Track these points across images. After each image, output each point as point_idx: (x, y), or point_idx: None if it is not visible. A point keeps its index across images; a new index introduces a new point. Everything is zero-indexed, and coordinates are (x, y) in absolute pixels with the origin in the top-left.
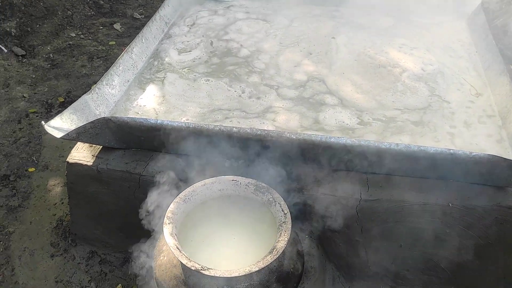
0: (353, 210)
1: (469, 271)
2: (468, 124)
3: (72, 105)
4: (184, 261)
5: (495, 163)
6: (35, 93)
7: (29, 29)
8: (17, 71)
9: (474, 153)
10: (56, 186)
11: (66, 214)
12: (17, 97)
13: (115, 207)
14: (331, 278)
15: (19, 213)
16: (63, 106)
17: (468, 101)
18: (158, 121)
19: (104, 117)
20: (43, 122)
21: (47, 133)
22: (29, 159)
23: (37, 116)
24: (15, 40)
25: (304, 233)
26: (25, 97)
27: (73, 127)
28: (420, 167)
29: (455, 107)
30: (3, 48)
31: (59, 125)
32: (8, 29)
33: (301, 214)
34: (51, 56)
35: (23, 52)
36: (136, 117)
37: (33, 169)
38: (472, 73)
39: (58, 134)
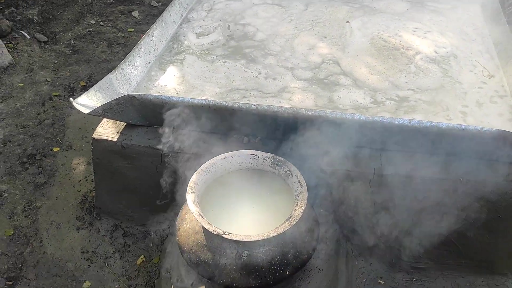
0: (366, 184)
1: (479, 245)
2: (480, 104)
3: (98, 83)
4: (207, 226)
5: (505, 138)
6: (57, 78)
7: (50, 16)
8: (40, 57)
9: (485, 129)
10: (80, 165)
11: (91, 190)
12: (40, 81)
13: (138, 181)
14: (344, 251)
15: (45, 189)
16: (85, 90)
17: (481, 82)
18: (180, 99)
19: (128, 95)
20: (71, 98)
21: (70, 115)
22: (53, 139)
23: (60, 99)
24: (37, 27)
25: (319, 207)
26: (48, 81)
27: (98, 104)
28: (433, 143)
29: (467, 87)
30: (26, 34)
31: (86, 102)
32: (30, 16)
33: (316, 187)
34: (72, 42)
35: (45, 39)
36: (158, 94)
37: (57, 148)
38: (485, 56)
39: (85, 110)
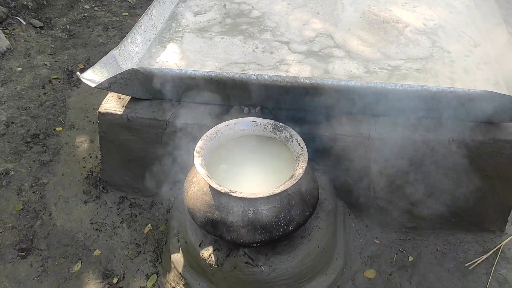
0: (362, 148)
1: (468, 203)
2: (467, 71)
3: (102, 59)
4: (215, 186)
5: (491, 98)
6: (55, 61)
7: (44, 2)
8: (37, 42)
9: (472, 90)
10: (83, 143)
11: (96, 166)
12: (39, 65)
13: (143, 153)
14: (342, 214)
15: (51, 167)
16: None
17: (467, 51)
18: (183, 71)
19: (133, 68)
20: (78, 73)
21: (71, 96)
22: (55, 120)
23: (59, 81)
24: (32, 13)
25: (318, 172)
26: (46, 64)
27: (103, 79)
28: (423, 106)
29: (455, 56)
30: (21, 20)
31: (91, 77)
32: (25, 3)
33: (314, 153)
34: (68, 27)
35: (41, 24)
36: (162, 67)
37: (60, 128)
38: (471, 27)
39: (92, 84)
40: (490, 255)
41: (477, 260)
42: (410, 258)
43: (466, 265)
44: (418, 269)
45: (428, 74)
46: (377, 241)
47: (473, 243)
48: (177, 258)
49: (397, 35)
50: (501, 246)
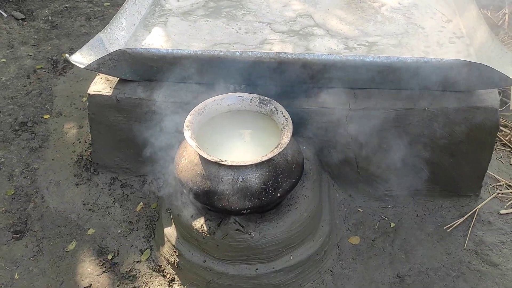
0: (343, 119)
1: (445, 170)
2: (440, 44)
3: (89, 42)
4: (205, 156)
5: (462, 67)
6: (39, 52)
7: None
8: (19, 33)
9: (445, 59)
10: (71, 129)
11: (85, 150)
12: (23, 55)
13: (132, 133)
14: (326, 185)
15: (41, 153)
16: (68, 61)
17: (440, 26)
18: (169, 50)
19: (120, 49)
20: (67, 55)
21: (57, 84)
22: (42, 108)
23: (44, 71)
24: (14, 6)
25: (302, 145)
26: (30, 55)
27: (92, 61)
28: (400, 77)
29: (429, 31)
30: (3, 13)
31: (80, 59)
32: None
33: (298, 126)
34: (50, 18)
35: (23, 16)
36: (149, 47)
37: (48, 116)
38: (443, 4)
39: (81, 65)
40: (466, 218)
41: (454, 223)
42: (392, 224)
43: (444, 228)
44: (400, 234)
45: (404, 49)
46: (360, 210)
47: (450, 208)
48: (170, 231)
49: (374, 14)
50: (476, 210)
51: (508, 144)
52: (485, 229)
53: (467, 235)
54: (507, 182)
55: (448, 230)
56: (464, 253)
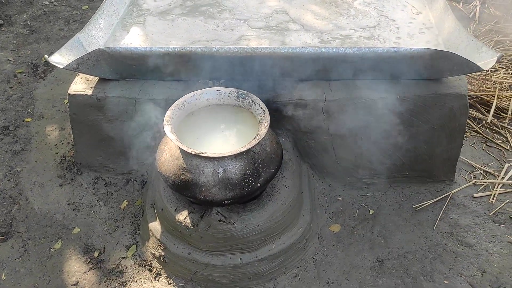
0: (319, 110)
1: (420, 156)
2: (411, 35)
3: (68, 42)
4: (185, 149)
5: (430, 55)
6: (19, 56)
7: (3, 0)
8: None
9: (414, 48)
10: (54, 131)
11: (68, 151)
12: (2, 60)
13: (114, 132)
14: (306, 175)
15: (23, 155)
16: (48, 65)
17: (410, 18)
18: (147, 48)
19: (99, 48)
20: (46, 55)
21: (37, 88)
22: (24, 111)
23: (24, 75)
24: None
25: (281, 136)
26: (10, 60)
27: (70, 61)
28: (372, 67)
29: (400, 23)
30: None
31: (59, 60)
32: None
33: (276, 119)
34: (29, 23)
35: (1, 22)
36: (127, 46)
37: (29, 119)
38: None
39: (61, 66)
40: (439, 200)
41: (424, 204)
42: (371, 211)
43: (413, 206)
44: (379, 221)
45: (376, 41)
46: (340, 198)
47: (426, 193)
48: (155, 226)
49: (347, 8)
50: (450, 194)
51: (480, 131)
52: (459, 212)
53: (442, 219)
54: (481, 167)
55: (416, 209)
56: (440, 236)
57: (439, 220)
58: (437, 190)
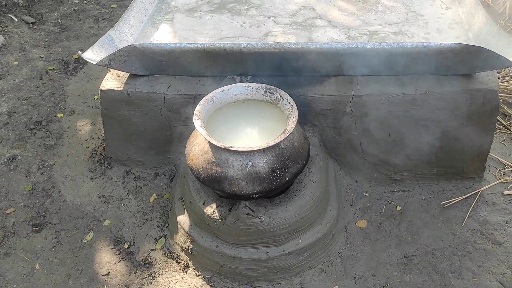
0: (347, 106)
1: (448, 153)
2: (440, 30)
3: (100, 39)
4: (215, 143)
5: (461, 50)
6: (50, 54)
7: None
8: (30, 37)
9: (444, 43)
10: (84, 126)
11: (98, 146)
12: (34, 58)
13: (144, 127)
14: (333, 171)
15: (56, 150)
16: (78, 62)
17: (440, 13)
18: (177, 44)
19: (130, 45)
20: (80, 52)
21: (68, 84)
22: (56, 107)
23: (56, 72)
24: (24, 10)
25: (308, 132)
26: (42, 57)
27: (103, 57)
28: (400, 62)
29: (428, 18)
30: (13, 17)
31: (91, 56)
32: (15, 0)
33: (303, 115)
34: (59, 21)
35: (33, 20)
36: (157, 42)
37: (61, 114)
38: None
39: (94, 62)
40: (468, 198)
41: (453, 200)
42: (398, 208)
43: (441, 203)
44: (406, 217)
45: (405, 36)
46: (367, 195)
47: (455, 190)
48: (183, 219)
49: (375, 4)
50: (479, 191)
51: (509, 128)
52: (489, 210)
53: (471, 216)
54: (511, 164)
55: (445, 206)
56: (469, 233)
57: (468, 217)
58: (466, 187)
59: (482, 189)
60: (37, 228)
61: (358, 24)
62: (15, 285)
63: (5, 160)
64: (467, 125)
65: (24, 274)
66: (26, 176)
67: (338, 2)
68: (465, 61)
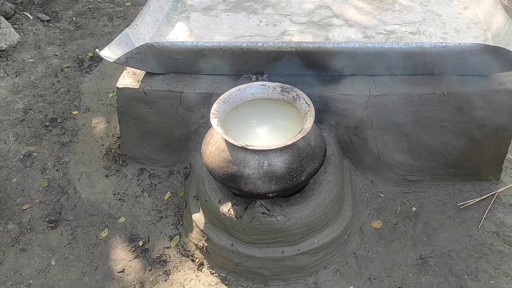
0: (363, 106)
1: (465, 154)
2: (458, 30)
3: (117, 37)
4: (232, 141)
5: (480, 50)
6: (65, 51)
7: None
8: (45, 34)
9: (463, 43)
10: (100, 124)
11: (113, 143)
12: (49, 55)
13: (159, 125)
14: (348, 171)
15: (71, 147)
16: (93, 60)
17: (457, 13)
18: (193, 43)
19: (147, 43)
20: (97, 49)
21: (83, 82)
22: (71, 104)
23: (71, 70)
24: (39, 8)
25: (324, 131)
26: (57, 55)
27: (120, 55)
28: (418, 62)
29: (446, 18)
30: (29, 15)
31: (108, 54)
32: None
33: (319, 114)
34: (74, 19)
35: (48, 18)
36: (174, 40)
37: (76, 112)
38: None
39: (111, 60)
40: (485, 199)
41: (469, 202)
42: (413, 209)
43: (458, 205)
44: (421, 218)
45: (422, 36)
46: (382, 195)
47: (471, 192)
48: (198, 217)
49: (392, 3)
50: (496, 193)
51: None
52: (506, 212)
53: (487, 218)
54: None
55: (461, 208)
56: (485, 235)
57: (484, 219)
58: (482, 189)
59: (498, 190)
60: (53, 225)
61: (375, 24)
62: (31, 281)
63: (21, 156)
64: (484, 126)
65: (40, 270)
66: (42, 173)
67: (354, 1)
68: (484, 61)
